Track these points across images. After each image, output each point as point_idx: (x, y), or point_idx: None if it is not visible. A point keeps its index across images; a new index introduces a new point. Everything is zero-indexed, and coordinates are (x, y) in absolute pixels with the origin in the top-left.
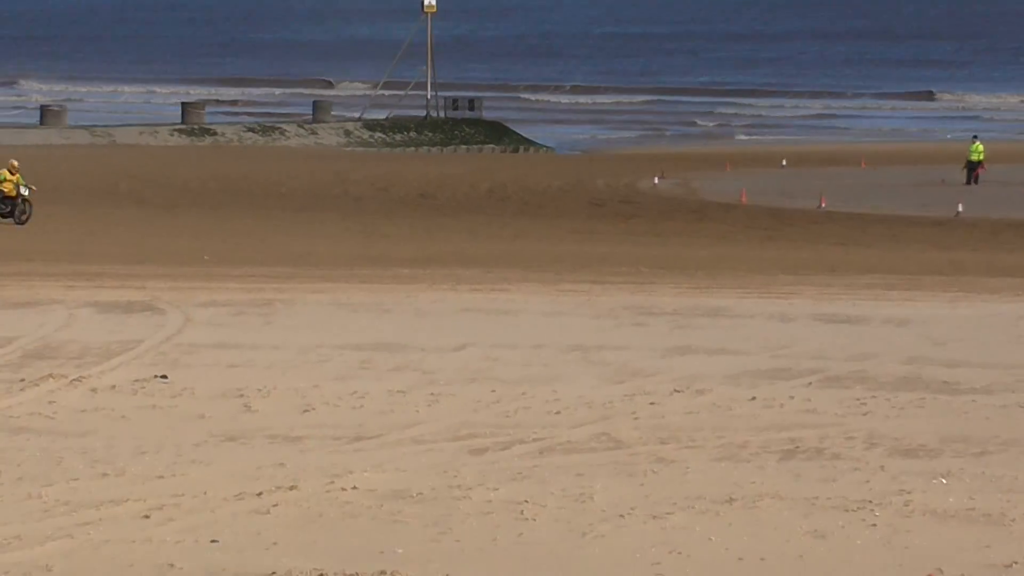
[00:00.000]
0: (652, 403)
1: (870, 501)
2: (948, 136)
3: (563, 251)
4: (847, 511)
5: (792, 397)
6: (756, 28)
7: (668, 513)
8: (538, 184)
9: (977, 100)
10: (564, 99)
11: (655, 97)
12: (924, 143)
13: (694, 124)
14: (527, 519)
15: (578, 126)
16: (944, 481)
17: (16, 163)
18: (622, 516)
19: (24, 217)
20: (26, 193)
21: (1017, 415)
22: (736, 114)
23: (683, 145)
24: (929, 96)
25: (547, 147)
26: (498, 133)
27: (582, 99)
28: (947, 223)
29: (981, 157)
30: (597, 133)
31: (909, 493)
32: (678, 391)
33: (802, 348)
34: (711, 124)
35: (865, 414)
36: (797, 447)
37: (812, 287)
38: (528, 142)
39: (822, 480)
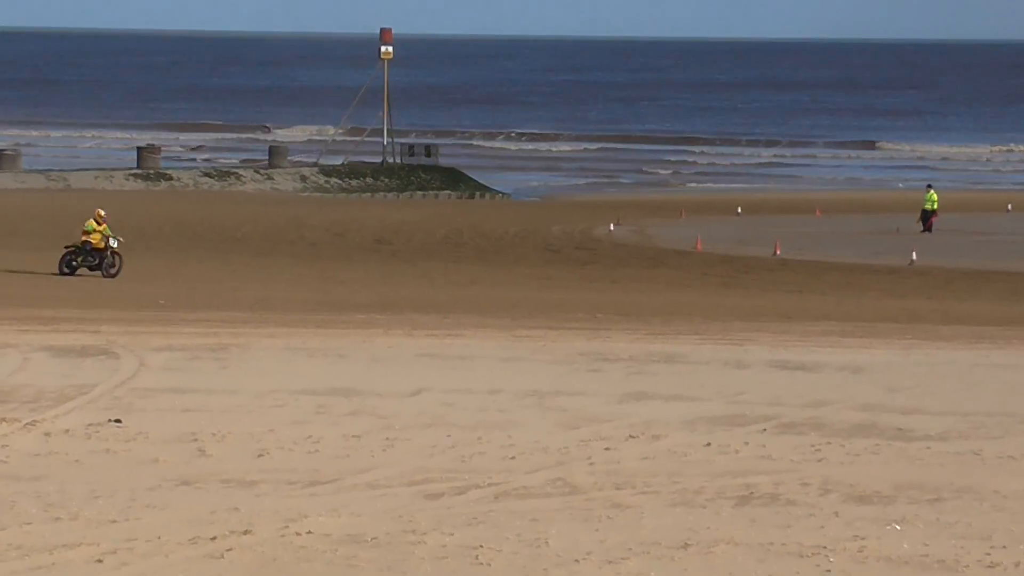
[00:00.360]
0: (607, 448)
1: (824, 547)
2: (900, 185)
3: (519, 297)
4: (802, 557)
5: (747, 443)
6: (708, 77)
7: (623, 558)
8: (494, 230)
9: (918, 150)
10: (520, 146)
11: (611, 144)
12: (878, 191)
13: (649, 172)
14: (482, 564)
15: (534, 172)
16: (898, 527)
17: (103, 212)
18: (577, 561)
19: (113, 270)
20: (115, 245)
21: (971, 462)
22: (689, 161)
23: (638, 192)
24: (870, 146)
25: (503, 193)
26: (454, 179)
27: (539, 146)
28: (901, 271)
29: (935, 206)
30: (553, 180)
31: (863, 539)
32: (633, 437)
33: (757, 395)
34: (666, 172)
35: (820, 460)
36: (752, 493)
37: (767, 334)
38: (484, 188)
39: (777, 526)
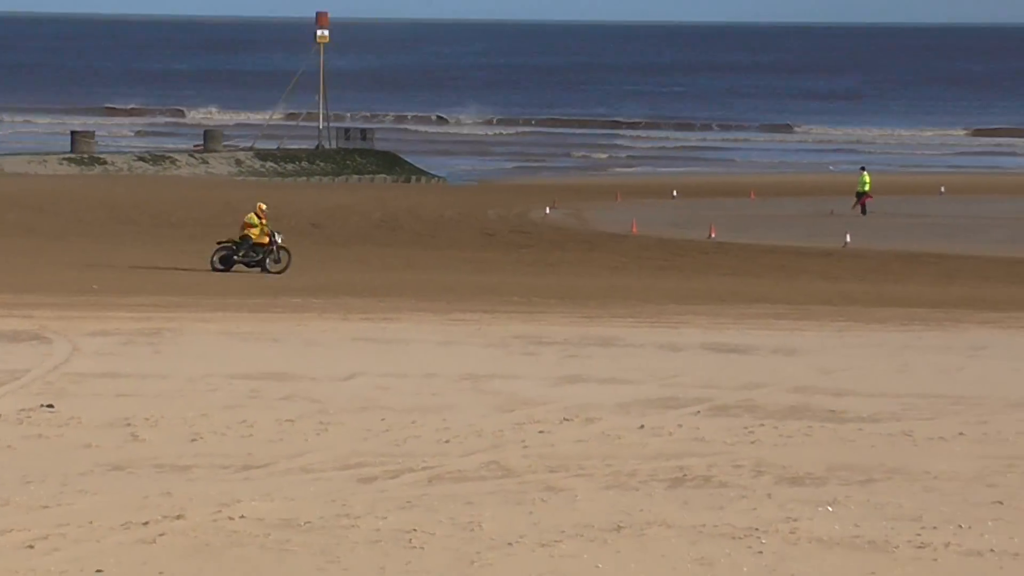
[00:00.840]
0: (542, 432)
1: (756, 529)
2: (831, 168)
3: (455, 281)
4: (734, 539)
5: (681, 426)
6: (645, 61)
7: (556, 541)
8: (430, 214)
9: (853, 133)
10: (456, 130)
11: (546, 128)
12: (811, 174)
13: (585, 155)
14: (415, 548)
15: (470, 157)
16: (830, 509)
17: (264, 206)
18: (510, 544)
19: (280, 267)
20: (279, 239)
21: (902, 443)
22: (624, 145)
23: (575, 176)
24: (788, 129)
25: (439, 177)
26: (390, 163)
27: (475, 130)
28: (835, 254)
29: (867, 188)
30: (488, 163)
31: (795, 521)
32: (568, 420)
33: (691, 377)
34: (602, 155)
35: (753, 442)
36: (685, 475)
37: (702, 317)
38: (420, 172)
39: (709, 508)
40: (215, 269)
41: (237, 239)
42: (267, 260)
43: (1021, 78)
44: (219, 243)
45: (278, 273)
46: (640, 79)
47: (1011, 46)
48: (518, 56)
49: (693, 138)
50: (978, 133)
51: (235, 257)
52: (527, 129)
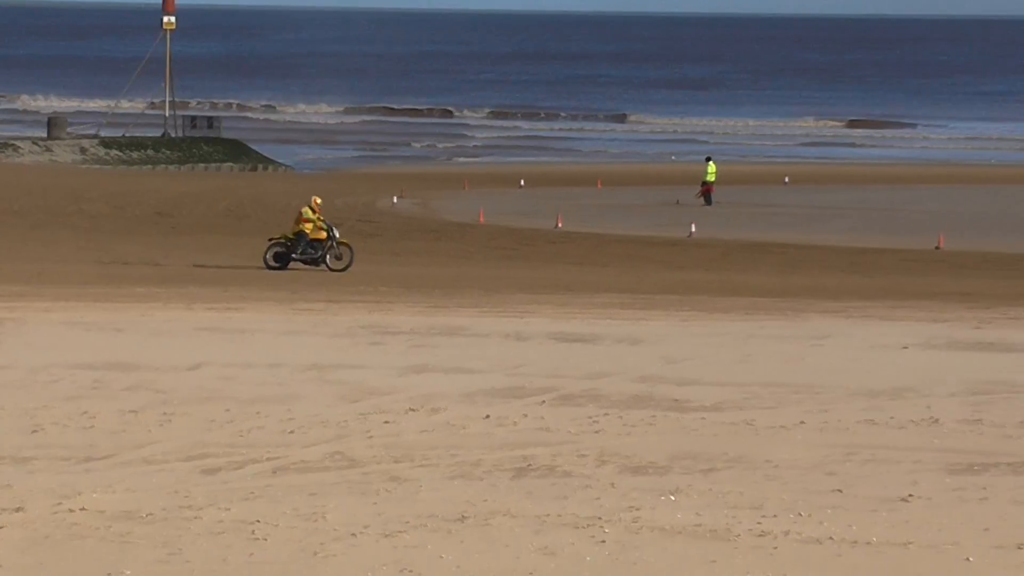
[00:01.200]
0: (387, 422)
1: (600, 518)
2: (673, 157)
3: (301, 270)
4: (577, 528)
5: (526, 415)
6: (489, 49)
7: (400, 531)
8: (277, 202)
9: (677, 123)
10: (305, 118)
11: (391, 118)
12: (659, 165)
13: (431, 144)
14: (258, 539)
15: (317, 145)
16: (672, 498)
17: (320, 200)
18: (354, 535)
19: (343, 263)
20: (338, 234)
21: (744, 432)
22: (468, 135)
23: (422, 165)
24: (621, 119)
25: (286, 166)
26: (237, 152)
27: (324, 119)
28: (681, 243)
29: (711, 177)
30: (336, 152)
31: (638, 510)
32: (413, 410)
33: (537, 367)
34: (448, 144)
35: (597, 432)
36: (530, 465)
37: (548, 306)
38: (267, 161)
39: (553, 498)
40: (269, 267)
41: (290, 235)
42: (328, 257)
43: (878, 68)
44: (271, 239)
45: (341, 271)
46: (487, 67)
47: (885, 36)
48: (365, 44)
49: (540, 127)
50: (834, 123)
51: (293, 255)
52: (373, 118)
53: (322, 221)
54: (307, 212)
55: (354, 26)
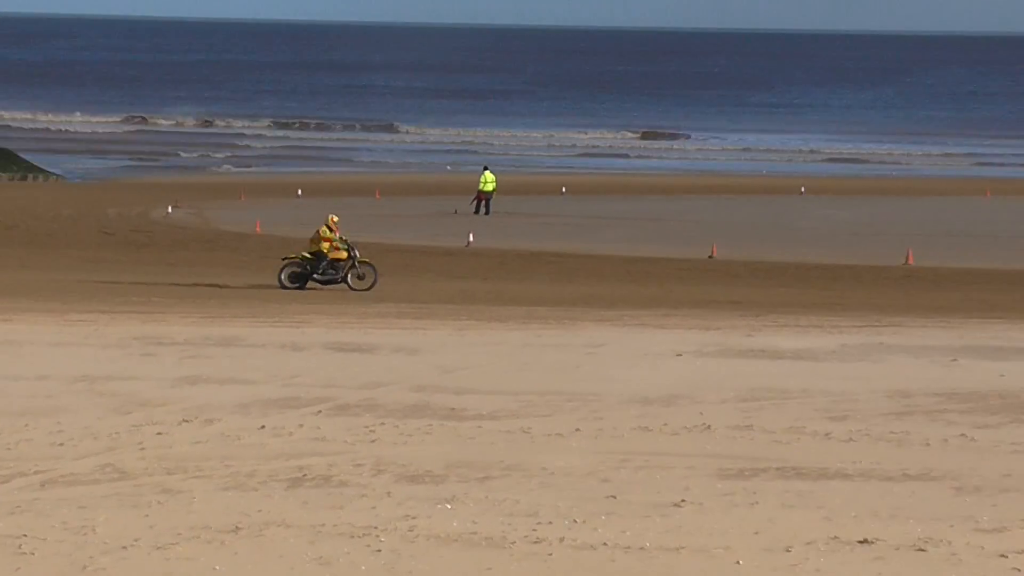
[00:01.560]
0: (159, 433)
1: (375, 527)
2: (448, 167)
3: (72, 281)
4: (352, 537)
5: (301, 425)
6: (271, 59)
7: (172, 544)
8: (46, 212)
9: (451, 133)
10: (74, 128)
11: (164, 128)
12: (437, 175)
13: (205, 155)
14: (25, 554)
15: (89, 155)
16: (448, 506)
17: (336, 218)
18: (125, 548)
19: (366, 284)
20: (358, 253)
21: (520, 440)
22: (242, 145)
23: (197, 174)
24: (391, 128)
25: (57, 175)
26: (5, 161)
27: (96, 128)
28: (458, 253)
29: (488, 187)
30: (109, 162)
31: (414, 518)
32: (187, 421)
33: (313, 377)
34: (222, 155)
35: (373, 441)
36: (305, 475)
37: (324, 316)
38: (37, 170)
39: (329, 507)
40: (284, 288)
41: (307, 254)
42: (349, 276)
43: (659, 80)
44: (286, 259)
45: (364, 291)
46: (261, 77)
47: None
48: (137, 53)
49: (317, 137)
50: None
51: (314, 275)
52: (143, 128)
53: (341, 240)
54: (324, 231)
55: (128, 35)
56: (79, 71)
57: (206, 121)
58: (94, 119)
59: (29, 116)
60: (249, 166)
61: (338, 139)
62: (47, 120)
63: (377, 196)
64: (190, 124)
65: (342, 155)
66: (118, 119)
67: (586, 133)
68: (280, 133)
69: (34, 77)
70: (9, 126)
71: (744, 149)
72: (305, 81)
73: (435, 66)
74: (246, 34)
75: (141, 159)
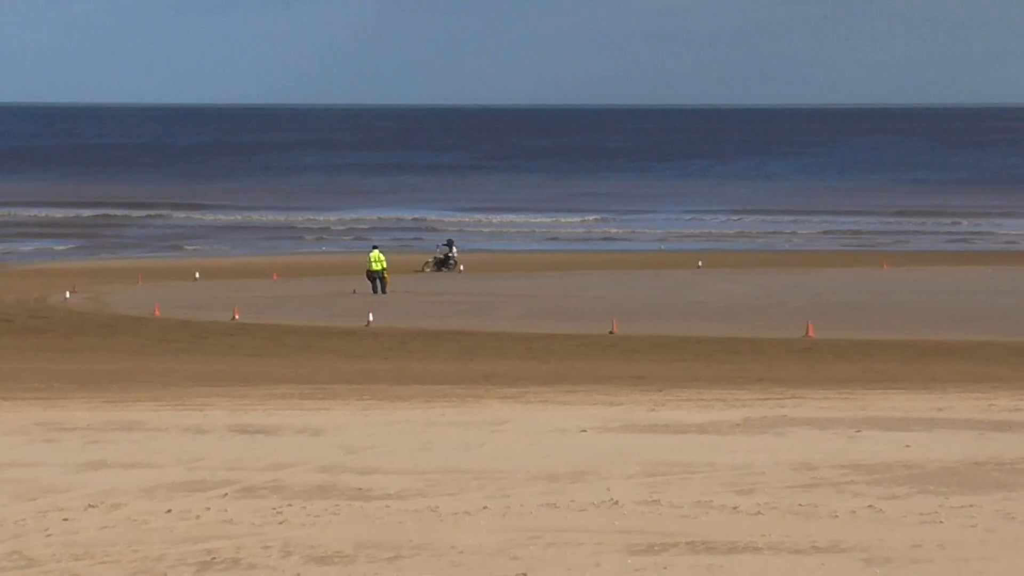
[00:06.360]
0: (65, 519)
1: None
2: (322, 248)
3: None
4: None
5: (208, 508)
6: (152, 141)
7: None
8: None
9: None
10: None
11: (40, 211)
12: (334, 256)
13: (93, 236)
14: None
15: None
16: None
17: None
18: None
19: None
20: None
21: (428, 519)
22: (118, 224)
23: (96, 258)
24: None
25: None
26: None
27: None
28: (358, 333)
29: (383, 266)
30: (5, 247)
31: None
32: (92, 506)
33: (217, 459)
34: (119, 237)
35: (281, 523)
36: (214, 558)
37: (227, 399)
38: None
39: None
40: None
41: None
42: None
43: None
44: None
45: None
46: (151, 158)
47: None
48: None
49: (209, 218)
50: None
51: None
52: (43, 212)
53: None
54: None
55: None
56: None
57: (99, 203)
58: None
59: None
60: (146, 249)
61: (236, 220)
62: None
63: (275, 278)
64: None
65: (238, 236)
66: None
67: (494, 217)
68: (170, 214)
69: None
70: None
71: (642, 224)
72: (214, 162)
73: (338, 143)
74: (155, 118)
75: (36, 242)
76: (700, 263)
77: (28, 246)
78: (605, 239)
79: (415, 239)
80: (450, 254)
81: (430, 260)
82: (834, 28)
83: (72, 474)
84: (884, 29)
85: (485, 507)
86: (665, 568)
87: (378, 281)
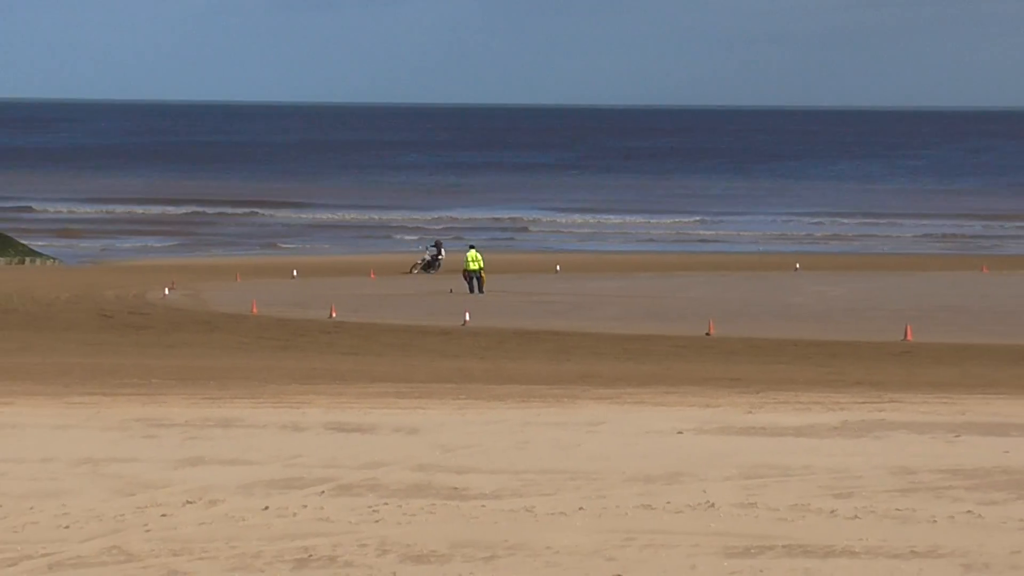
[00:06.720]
0: (164, 515)
1: None
2: (418, 247)
3: (72, 363)
4: None
5: (305, 506)
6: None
7: None
8: (45, 296)
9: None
10: (67, 208)
11: (172, 208)
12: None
13: (196, 233)
14: None
15: (87, 238)
16: None
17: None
18: None
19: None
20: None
21: (524, 519)
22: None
23: (194, 255)
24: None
25: (54, 258)
26: (2, 245)
27: (91, 208)
28: (455, 332)
29: (480, 265)
30: (107, 243)
31: None
32: (190, 502)
33: (314, 457)
34: (218, 235)
35: (377, 521)
36: (311, 556)
37: (324, 396)
38: (34, 253)
39: None
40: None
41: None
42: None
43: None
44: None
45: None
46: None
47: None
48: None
49: (304, 216)
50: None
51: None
52: (143, 209)
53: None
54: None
55: (121, 119)
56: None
57: (206, 200)
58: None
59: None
60: (242, 247)
61: (334, 218)
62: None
63: (372, 276)
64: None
65: (334, 234)
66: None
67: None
68: (277, 212)
69: (45, 162)
70: (22, 207)
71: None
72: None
73: (435, 143)
74: (254, 115)
75: (138, 239)
76: (798, 265)
77: (127, 243)
78: (701, 240)
79: (509, 239)
80: (438, 256)
81: (419, 262)
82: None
83: (170, 470)
84: (986, 32)
85: (581, 508)
86: (761, 571)
87: (475, 280)
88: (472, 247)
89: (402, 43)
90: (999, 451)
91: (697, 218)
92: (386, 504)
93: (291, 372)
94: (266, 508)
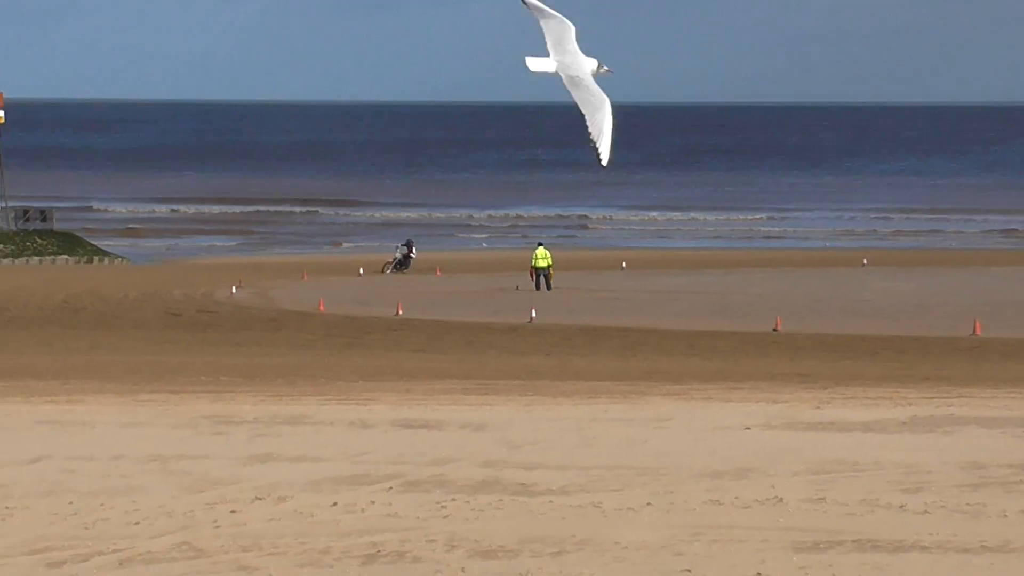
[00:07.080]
0: (233, 511)
1: None
2: (483, 245)
3: (140, 361)
4: None
5: (373, 502)
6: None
7: None
8: (114, 294)
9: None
10: (132, 208)
11: (234, 208)
12: (496, 251)
13: (252, 231)
14: None
15: (153, 237)
16: None
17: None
18: None
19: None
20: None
21: (592, 514)
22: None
23: (260, 254)
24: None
25: (122, 257)
26: (71, 244)
27: (156, 208)
28: (521, 329)
29: (549, 263)
30: (173, 242)
31: None
32: (259, 499)
33: (382, 453)
34: (295, 232)
35: (445, 517)
36: (379, 551)
37: (391, 393)
38: (103, 252)
39: None
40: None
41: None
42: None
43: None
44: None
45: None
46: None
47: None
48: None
49: (367, 215)
50: None
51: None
52: (210, 208)
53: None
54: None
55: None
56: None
57: (281, 199)
58: (174, 197)
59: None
60: (311, 245)
61: (399, 216)
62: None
63: (438, 273)
64: (246, 202)
65: (398, 232)
66: (183, 199)
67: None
68: (340, 211)
69: (110, 162)
70: (91, 207)
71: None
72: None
73: (503, 140)
74: (334, 114)
75: (206, 239)
76: (865, 261)
77: (192, 242)
78: (767, 236)
79: (571, 237)
80: (410, 254)
81: (390, 261)
82: (997, 26)
83: (239, 467)
84: None
85: (649, 503)
86: (831, 566)
87: (543, 277)
88: (540, 244)
89: (465, 43)
90: None
91: (764, 215)
92: (454, 500)
93: (358, 369)
94: (334, 504)
